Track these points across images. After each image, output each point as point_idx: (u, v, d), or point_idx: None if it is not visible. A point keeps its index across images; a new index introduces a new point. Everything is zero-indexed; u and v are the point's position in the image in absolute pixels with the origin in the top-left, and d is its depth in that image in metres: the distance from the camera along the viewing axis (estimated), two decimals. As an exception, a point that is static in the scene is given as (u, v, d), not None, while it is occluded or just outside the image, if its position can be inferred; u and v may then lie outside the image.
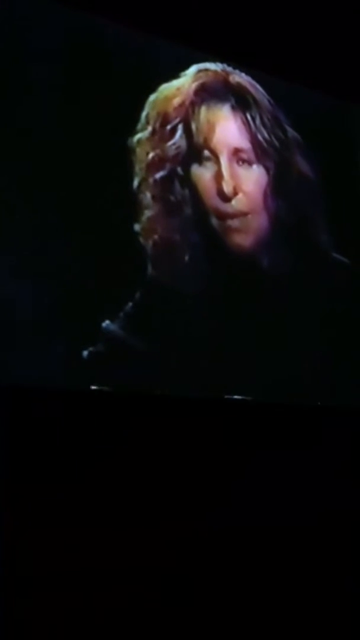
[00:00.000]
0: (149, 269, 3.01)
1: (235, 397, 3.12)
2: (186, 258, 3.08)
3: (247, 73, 3.36)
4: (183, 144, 3.14)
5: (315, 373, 3.31)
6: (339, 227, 3.52)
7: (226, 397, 3.11)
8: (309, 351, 3.33)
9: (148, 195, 3.05)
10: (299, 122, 3.46)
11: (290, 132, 3.42)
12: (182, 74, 3.22)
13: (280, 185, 3.35)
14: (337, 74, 3.57)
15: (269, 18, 3.36)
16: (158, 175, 3.07)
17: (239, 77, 3.33)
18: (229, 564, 2.94)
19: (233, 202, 3.19)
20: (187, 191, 3.13)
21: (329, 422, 3.30)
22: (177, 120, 3.15)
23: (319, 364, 3.34)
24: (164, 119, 3.13)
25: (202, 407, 3.02)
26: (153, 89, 3.15)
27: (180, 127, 3.15)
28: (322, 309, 3.43)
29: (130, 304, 2.92)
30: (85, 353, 2.81)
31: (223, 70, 3.31)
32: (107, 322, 2.87)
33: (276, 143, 3.35)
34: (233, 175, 3.20)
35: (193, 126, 3.17)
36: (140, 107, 3.11)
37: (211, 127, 3.21)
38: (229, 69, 3.32)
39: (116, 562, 2.72)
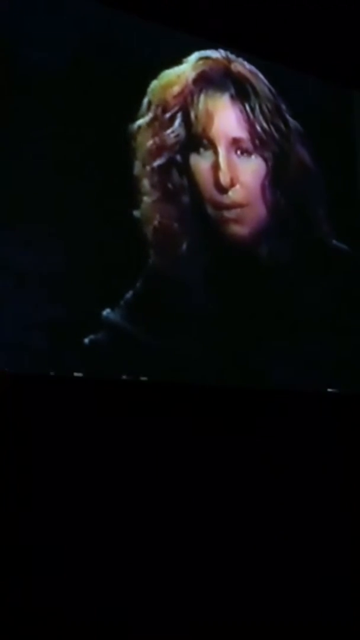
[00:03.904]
0: (150, 257, 3.07)
1: (236, 384, 3.21)
2: (185, 246, 3.16)
3: (249, 60, 3.41)
4: (182, 132, 3.20)
5: (317, 360, 3.39)
6: (339, 215, 3.60)
7: (226, 384, 3.19)
8: (310, 338, 3.42)
9: (147, 182, 3.11)
10: (300, 109, 3.52)
11: (291, 121, 3.49)
12: (184, 60, 3.27)
13: (279, 177, 3.42)
14: (338, 60, 3.65)
15: (271, 4, 3.40)
16: (157, 163, 3.14)
17: (240, 66, 3.40)
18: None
19: (230, 193, 3.25)
20: (185, 180, 3.20)
21: (330, 408, 3.34)
22: (176, 108, 3.21)
23: (321, 351, 3.42)
24: (164, 106, 3.19)
25: (203, 395, 3.11)
26: (154, 75, 3.19)
27: (179, 115, 3.21)
28: (323, 296, 3.52)
29: (130, 292, 3.00)
30: (86, 341, 2.88)
31: (224, 58, 3.35)
32: (108, 310, 2.94)
33: (275, 134, 3.41)
34: (230, 166, 3.25)
35: (192, 115, 3.23)
36: (142, 94, 3.16)
37: (210, 117, 3.26)
38: (232, 56, 3.38)
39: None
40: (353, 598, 3.10)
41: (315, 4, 3.47)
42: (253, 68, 3.40)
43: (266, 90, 3.41)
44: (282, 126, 3.43)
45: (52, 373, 2.81)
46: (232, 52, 3.36)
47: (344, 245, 3.61)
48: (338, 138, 3.72)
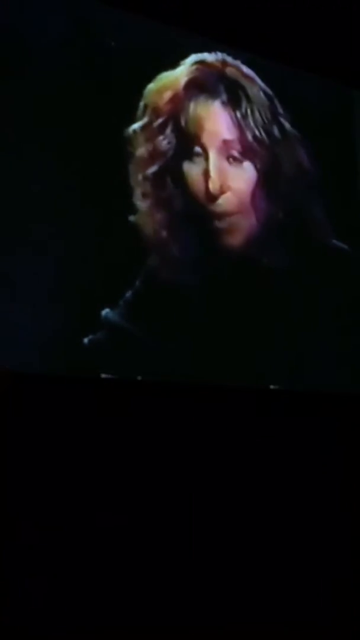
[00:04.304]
0: (148, 258, 3.11)
1: (235, 384, 3.21)
2: (182, 249, 3.19)
3: (248, 61, 3.41)
4: (173, 139, 3.23)
5: (317, 360, 3.42)
6: (339, 215, 3.62)
7: (226, 384, 3.19)
8: (310, 338, 3.44)
9: (141, 189, 3.13)
10: (298, 110, 3.54)
11: (287, 125, 3.51)
12: (182, 62, 3.29)
13: (272, 184, 3.44)
14: (338, 60, 3.66)
15: (271, 3, 3.42)
16: (150, 171, 3.17)
17: (236, 70, 3.40)
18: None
19: (220, 201, 3.28)
20: (178, 187, 3.22)
21: (330, 408, 3.39)
22: (168, 115, 3.24)
23: (320, 351, 3.45)
24: (157, 112, 3.22)
25: (202, 395, 3.13)
26: (152, 76, 3.22)
27: (170, 122, 3.23)
28: (323, 296, 3.53)
29: (130, 292, 3.03)
30: (85, 341, 2.91)
31: (220, 62, 3.36)
32: (107, 310, 2.96)
33: (268, 140, 3.43)
34: (221, 174, 3.28)
35: (182, 122, 3.25)
36: (139, 96, 3.19)
37: (200, 124, 3.28)
38: (229, 58, 3.38)
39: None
40: (353, 595, 3.11)
41: (315, 4, 3.48)
42: (250, 72, 3.42)
43: (261, 95, 3.43)
44: (277, 131, 3.45)
45: (52, 373, 2.84)
46: (230, 53, 3.37)
47: (344, 245, 3.63)
48: (338, 137, 3.74)
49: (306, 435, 3.28)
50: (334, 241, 3.61)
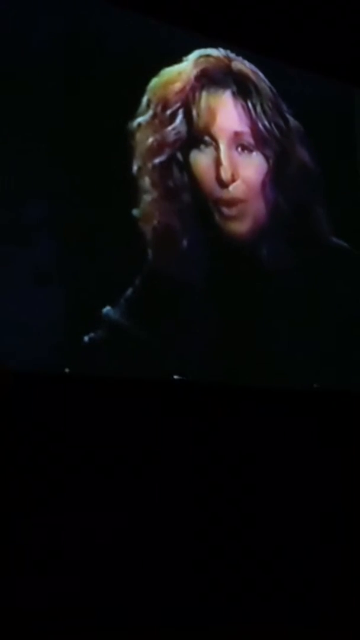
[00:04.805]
0: (149, 255, 3.09)
1: (235, 383, 3.21)
2: (185, 244, 3.17)
3: (250, 58, 3.43)
4: (183, 129, 3.23)
5: (315, 358, 3.41)
6: (340, 213, 3.62)
7: (226, 383, 3.19)
8: (309, 336, 3.43)
9: (147, 180, 3.13)
10: (301, 108, 3.54)
11: (292, 120, 3.52)
12: (185, 58, 3.29)
13: (279, 175, 3.45)
14: (339, 57, 3.65)
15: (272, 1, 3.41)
16: (157, 160, 3.16)
17: (241, 65, 3.43)
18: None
19: (230, 188, 3.28)
20: (185, 177, 3.22)
21: (331, 407, 3.39)
22: (178, 105, 3.23)
23: (320, 349, 3.43)
24: (164, 103, 3.21)
25: (202, 394, 3.13)
26: (155, 73, 3.21)
27: (180, 112, 3.23)
28: (323, 293, 3.53)
29: (130, 289, 3.01)
30: (86, 339, 2.89)
31: (225, 57, 3.39)
32: (108, 307, 2.94)
33: (276, 132, 3.46)
34: (232, 162, 3.29)
35: (194, 111, 3.26)
36: (142, 91, 3.18)
37: (212, 113, 3.29)
38: (232, 55, 3.40)
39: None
40: (352, 595, 3.11)
41: (315, 3, 3.46)
42: (253, 67, 3.43)
43: (267, 89, 3.45)
44: (283, 125, 3.46)
45: (52, 372, 2.81)
46: (232, 50, 3.38)
47: (344, 243, 3.63)
48: (339, 134, 3.74)
49: (305, 434, 3.27)
50: (334, 239, 3.59)
